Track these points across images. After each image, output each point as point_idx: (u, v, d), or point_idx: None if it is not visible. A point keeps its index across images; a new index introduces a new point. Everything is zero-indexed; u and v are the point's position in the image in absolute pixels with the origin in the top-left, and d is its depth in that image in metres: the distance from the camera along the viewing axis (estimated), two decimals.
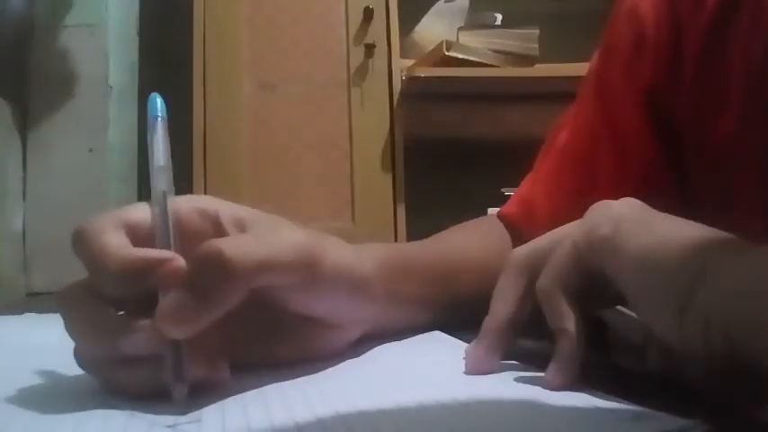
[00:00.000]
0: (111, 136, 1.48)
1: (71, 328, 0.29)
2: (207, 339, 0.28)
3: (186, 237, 0.31)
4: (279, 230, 0.32)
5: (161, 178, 0.31)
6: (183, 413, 0.26)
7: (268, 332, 0.34)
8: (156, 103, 0.32)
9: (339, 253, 0.34)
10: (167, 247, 0.29)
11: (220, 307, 0.28)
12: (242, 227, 0.32)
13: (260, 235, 0.32)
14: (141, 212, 0.31)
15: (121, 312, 0.30)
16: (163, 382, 0.27)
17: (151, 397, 0.27)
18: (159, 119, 0.32)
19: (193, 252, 0.28)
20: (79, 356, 0.29)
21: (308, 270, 0.32)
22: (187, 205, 0.32)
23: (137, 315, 0.28)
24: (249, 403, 0.28)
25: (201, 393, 0.28)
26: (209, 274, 0.28)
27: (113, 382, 0.29)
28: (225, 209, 0.32)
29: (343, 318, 0.36)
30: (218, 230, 0.32)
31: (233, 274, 0.28)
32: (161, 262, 0.28)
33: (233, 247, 0.28)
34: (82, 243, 0.29)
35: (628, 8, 0.54)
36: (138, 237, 0.30)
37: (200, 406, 0.27)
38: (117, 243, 0.29)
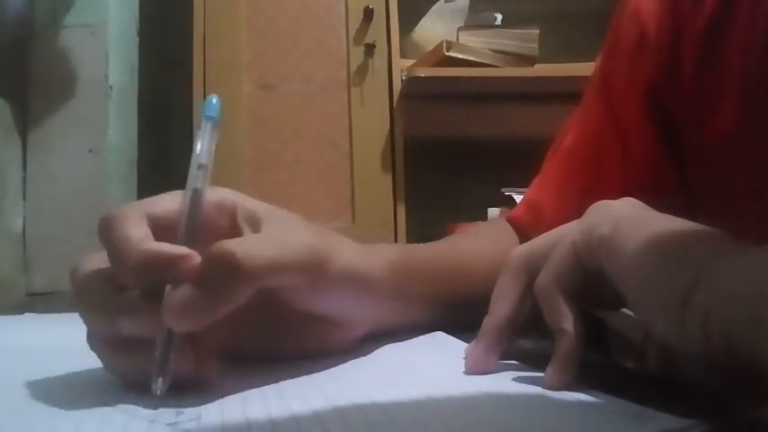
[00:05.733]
0: (111, 136, 1.48)
1: (78, 302, 0.30)
2: (200, 338, 0.29)
3: (202, 229, 0.32)
4: (290, 230, 0.33)
5: (199, 176, 0.32)
6: (157, 407, 0.26)
7: (274, 328, 0.35)
8: (212, 104, 0.33)
9: (348, 253, 0.35)
10: (193, 244, 0.30)
11: (228, 306, 0.29)
12: (255, 223, 0.33)
13: (271, 235, 0.32)
14: (166, 204, 0.32)
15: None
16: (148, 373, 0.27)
17: (137, 386, 0.28)
18: (212, 119, 0.33)
19: (207, 247, 0.29)
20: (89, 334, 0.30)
21: (317, 271, 0.32)
22: (207, 198, 0.32)
23: (143, 298, 0.29)
24: (249, 401, 0.28)
25: (185, 391, 0.28)
26: (221, 274, 0.28)
27: (108, 363, 0.30)
28: (242, 203, 0.33)
29: (349, 316, 0.37)
30: (233, 225, 0.33)
31: (243, 275, 0.29)
32: (179, 259, 0.29)
33: (244, 248, 0.29)
34: (106, 232, 0.30)
35: (631, 8, 0.55)
36: (161, 227, 0.31)
37: (200, 403, 0.27)
38: (138, 236, 0.29)
